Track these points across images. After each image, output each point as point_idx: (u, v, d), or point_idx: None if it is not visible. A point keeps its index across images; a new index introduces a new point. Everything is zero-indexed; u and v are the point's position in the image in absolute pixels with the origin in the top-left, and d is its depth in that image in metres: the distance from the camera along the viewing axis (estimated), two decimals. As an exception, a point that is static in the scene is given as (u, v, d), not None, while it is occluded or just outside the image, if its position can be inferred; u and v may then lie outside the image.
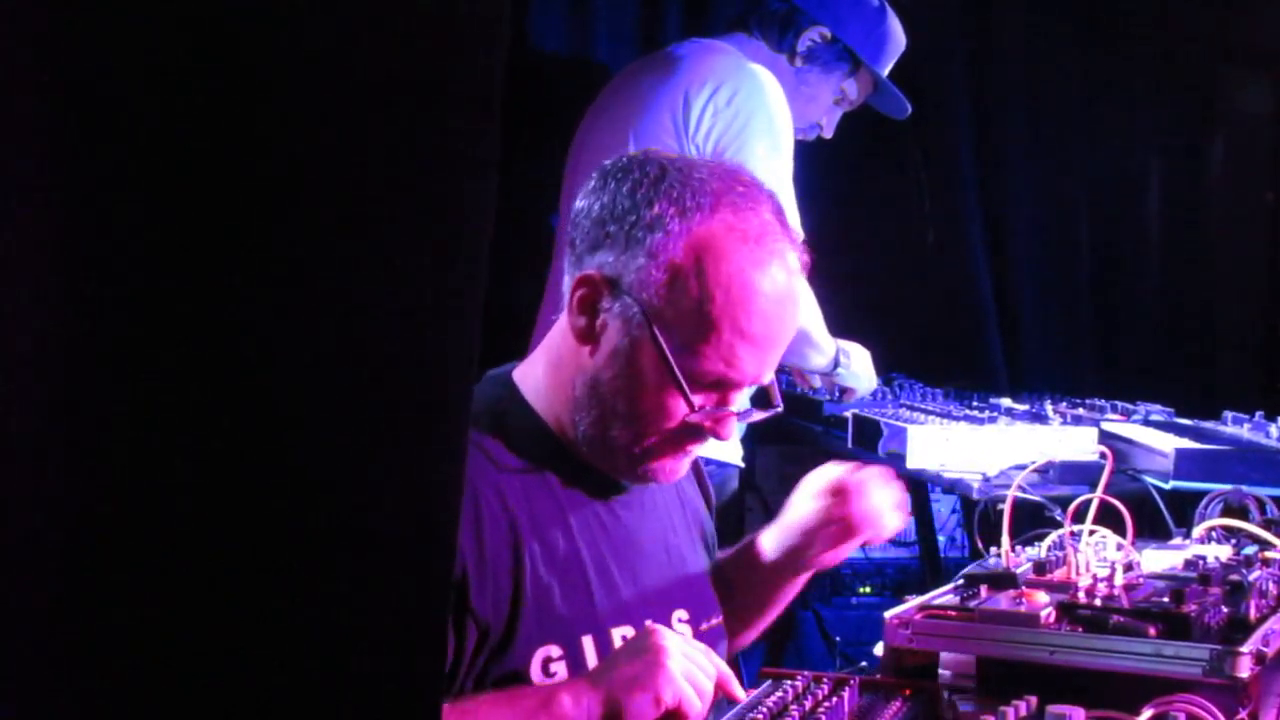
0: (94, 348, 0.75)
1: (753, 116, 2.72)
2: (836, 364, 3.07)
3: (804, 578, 1.95)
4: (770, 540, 1.90)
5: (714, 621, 1.83)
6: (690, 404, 1.61)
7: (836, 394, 3.28)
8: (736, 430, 1.82)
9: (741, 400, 1.70)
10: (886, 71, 3.15)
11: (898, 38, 3.14)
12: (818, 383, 3.30)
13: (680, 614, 1.77)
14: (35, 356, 0.74)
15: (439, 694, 0.93)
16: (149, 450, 0.76)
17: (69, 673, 0.77)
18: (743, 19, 3.07)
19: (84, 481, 0.75)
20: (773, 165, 2.65)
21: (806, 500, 1.86)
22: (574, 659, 1.61)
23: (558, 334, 1.70)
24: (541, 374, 1.72)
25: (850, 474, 1.86)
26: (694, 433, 1.66)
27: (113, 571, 0.76)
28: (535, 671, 1.59)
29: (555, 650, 1.60)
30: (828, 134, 3.18)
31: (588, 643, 1.63)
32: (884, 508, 1.85)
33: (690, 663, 1.47)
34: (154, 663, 0.78)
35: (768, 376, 1.68)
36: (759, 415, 1.77)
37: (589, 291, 1.62)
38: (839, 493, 1.84)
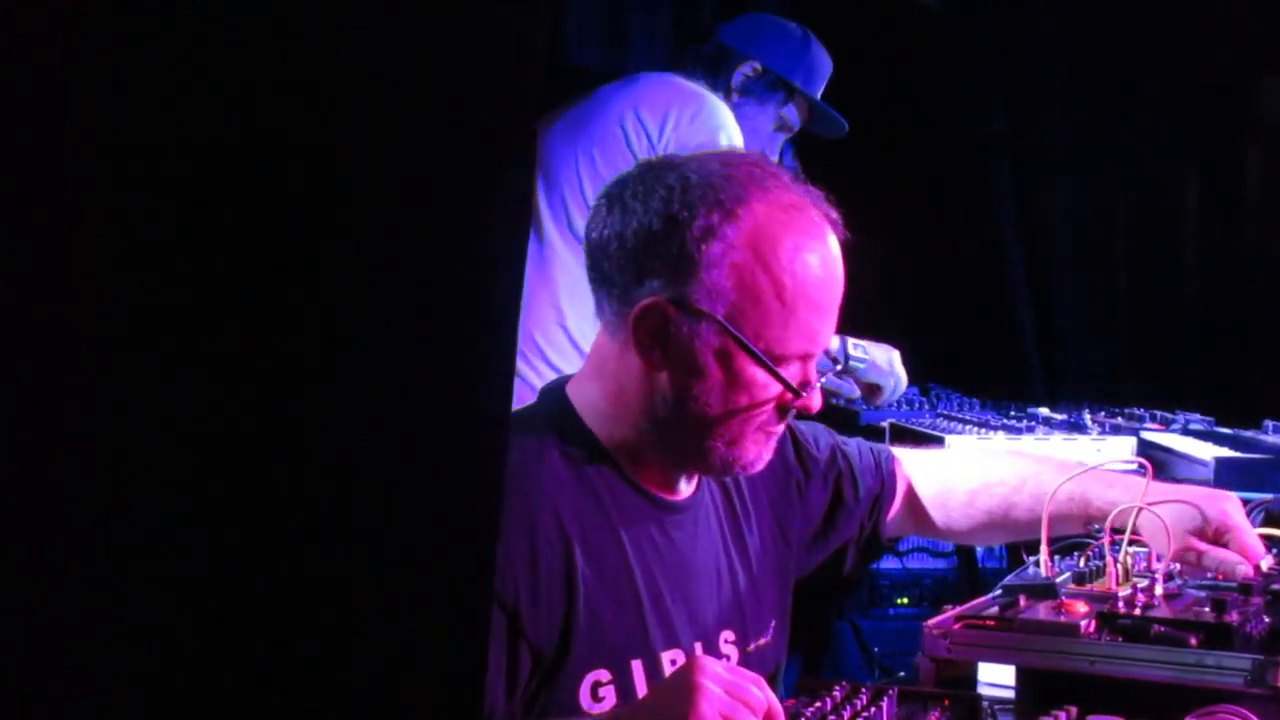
0: (127, 354, 0.75)
1: (715, 133, 2.80)
2: (848, 358, 3.10)
3: None
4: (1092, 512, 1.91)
5: (763, 641, 1.81)
6: (793, 388, 1.64)
7: (857, 393, 3.29)
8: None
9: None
10: (820, 94, 3.27)
11: (825, 61, 3.29)
12: (855, 393, 3.30)
13: (727, 634, 1.75)
14: (65, 358, 0.74)
15: (480, 700, 0.93)
16: (176, 458, 0.77)
17: (76, 673, 0.77)
18: (676, 64, 3.17)
19: (106, 484, 0.76)
20: None
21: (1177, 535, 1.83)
22: (623, 684, 1.60)
23: (613, 360, 1.67)
24: (599, 397, 1.69)
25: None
26: (782, 414, 1.68)
27: (134, 573, 0.77)
28: (584, 696, 1.58)
29: (604, 675, 1.60)
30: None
31: (637, 667, 1.62)
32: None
33: (732, 697, 1.39)
34: (172, 667, 0.78)
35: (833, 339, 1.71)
36: (831, 373, 1.78)
37: (657, 320, 1.61)
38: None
